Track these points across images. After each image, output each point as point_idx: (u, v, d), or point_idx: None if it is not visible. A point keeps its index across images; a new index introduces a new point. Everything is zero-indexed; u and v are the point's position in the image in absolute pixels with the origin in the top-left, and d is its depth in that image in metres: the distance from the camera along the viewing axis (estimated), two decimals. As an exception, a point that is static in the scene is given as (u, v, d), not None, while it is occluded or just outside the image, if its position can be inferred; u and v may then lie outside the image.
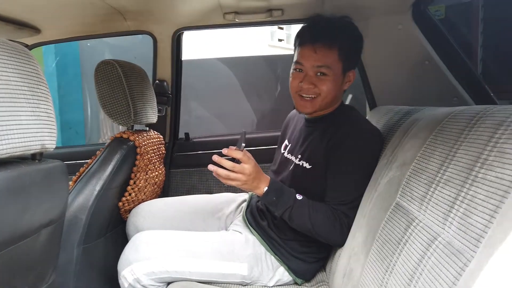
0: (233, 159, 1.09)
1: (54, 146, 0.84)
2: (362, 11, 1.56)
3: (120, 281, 1.20)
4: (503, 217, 0.54)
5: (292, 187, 1.21)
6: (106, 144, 1.43)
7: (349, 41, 1.21)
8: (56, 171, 0.88)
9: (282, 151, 1.43)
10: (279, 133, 1.56)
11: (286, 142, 1.45)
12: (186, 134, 2.13)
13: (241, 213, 1.44)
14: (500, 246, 0.52)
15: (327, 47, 1.17)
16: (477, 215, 0.60)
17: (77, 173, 1.39)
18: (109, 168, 1.32)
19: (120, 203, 1.45)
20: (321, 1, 1.49)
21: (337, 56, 1.18)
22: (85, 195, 1.26)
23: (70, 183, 1.36)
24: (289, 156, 1.36)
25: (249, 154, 1.13)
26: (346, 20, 1.26)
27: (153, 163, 1.61)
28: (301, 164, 1.26)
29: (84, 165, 1.41)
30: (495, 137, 0.65)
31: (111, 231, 1.47)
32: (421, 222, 0.76)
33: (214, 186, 2.10)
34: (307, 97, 1.23)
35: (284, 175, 1.33)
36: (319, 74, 1.20)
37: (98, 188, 1.28)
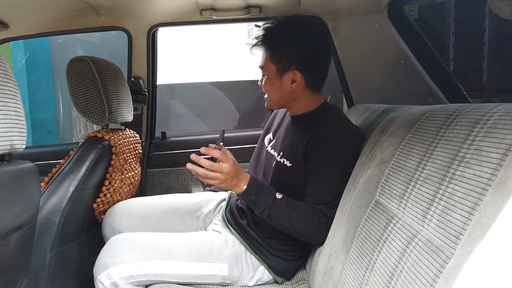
0: (212, 158, 1.08)
1: (24, 146, 0.81)
2: (339, 10, 1.57)
3: (96, 286, 1.16)
4: (481, 214, 0.55)
5: (273, 182, 1.22)
6: (79, 144, 1.39)
7: (278, 43, 1.23)
8: (27, 172, 0.84)
9: (266, 144, 1.43)
10: (259, 132, 1.55)
11: (270, 135, 1.45)
12: (163, 133, 2.09)
13: (221, 212, 1.42)
14: (479, 243, 0.52)
15: (263, 49, 1.26)
16: (456, 212, 0.61)
17: (49, 174, 1.34)
18: (83, 169, 1.28)
19: (95, 205, 1.41)
20: (298, 0, 1.49)
21: (269, 58, 1.24)
22: (58, 197, 1.22)
23: (42, 184, 1.31)
24: (272, 151, 1.36)
25: (228, 153, 1.12)
26: (286, 22, 1.26)
27: (129, 163, 1.57)
28: (282, 162, 1.26)
29: (57, 165, 1.36)
30: (472, 135, 0.66)
31: (86, 234, 1.42)
32: (400, 219, 0.77)
33: (192, 186, 2.07)
34: (265, 95, 1.32)
35: (266, 170, 1.34)
36: (262, 74, 1.29)
37: (71, 189, 1.24)
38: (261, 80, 1.30)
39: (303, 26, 1.26)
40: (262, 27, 1.27)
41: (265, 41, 1.25)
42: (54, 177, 1.27)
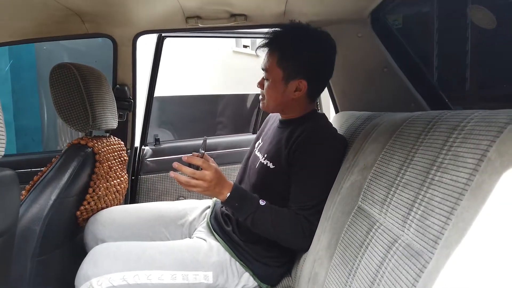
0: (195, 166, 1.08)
1: (2, 154, 0.79)
2: (322, 18, 1.59)
3: None
4: (458, 218, 0.56)
5: (257, 184, 1.23)
6: (62, 151, 1.37)
7: (289, 49, 1.21)
8: (5, 180, 0.83)
9: (255, 148, 1.45)
10: (247, 136, 1.57)
11: (260, 140, 1.46)
12: (156, 139, 2.09)
13: (205, 219, 1.42)
14: (456, 247, 0.53)
15: (270, 52, 1.25)
16: (434, 217, 0.62)
17: (30, 182, 1.31)
18: (66, 176, 1.26)
19: (78, 212, 1.39)
20: (283, 8, 1.50)
21: (276, 62, 1.22)
22: (40, 205, 1.20)
23: (23, 192, 1.28)
24: (258, 153, 1.37)
25: (211, 160, 1.12)
26: (299, 29, 1.25)
27: (114, 170, 1.55)
28: (265, 163, 1.27)
29: (39, 173, 1.33)
30: (450, 141, 0.67)
31: (69, 242, 1.40)
32: (382, 225, 0.78)
33: (186, 191, 2.08)
34: (260, 97, 1.32)
35: (251, 171, 1.34)
36: (264, 77, 1.28)
37: (53, 197, 1.22)
38: (261, 83, 1.30)
39: (316, 36, 1.24)
40: (272, 30, 1.25)
41: (275, 44, 1.24)
42: (35, 185, 1.25)
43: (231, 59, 7.42)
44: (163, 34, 1.90)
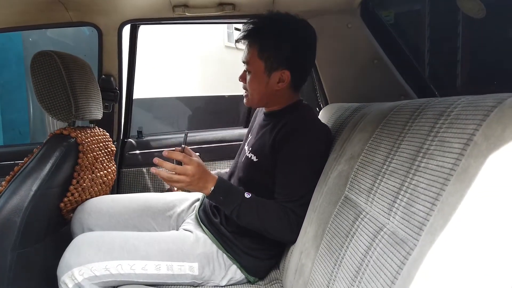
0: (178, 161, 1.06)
1: None
2: (312, 8, 1.57)
3: None
4: (443, 203, 0.54)
5: (242, 178, 1.21)
6: (44, 141, 1.33)
7: (269, 40, 1.18)
8: None
9: (245, 142, 1.44)
10: (238, 130, 1.54)
11: (249, 134, 1.45)
12: (139, 132, 2.05)
13: (194, 212, 1.40)
14: (441, 232, 0.52)
15: (249, 44, 1.21)
16: (419, 204, 0.60)
17: (11, 172, 1.28)
18: (47, 167, 1.22)
19: (62, 204, 1.35)
20: None
21: (256, 54, 1.19)
22: (20, 196, 1.16)
23: (3, 183, 1.25)
24: (246, 147, 1.35)
25: (193, 154, 1.11)
26: (278, 19, 1.21)
27: (100, 162, 1.52)
28: (250, 157, 1.25)
29: (19, 163, 1.30)
30: (436, 127, 0.66)
31: (52, 235, 1.37)
32: (368, 214, 0.76)
33: (168, 186, 2.03)
34: (244, 92, 1.29)
35: (238, 165, 1.33)
36: (246, 70, 1.25)
37: (35, 188, 1.18)
38: (243, 76, 1.27)
39: (296, 25, 1.21)
40: (250, 21, 1.21)
41: (255, 36, 1.20)
42: (16, 176, 1.22)
43: (224, 55, 7.37)
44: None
